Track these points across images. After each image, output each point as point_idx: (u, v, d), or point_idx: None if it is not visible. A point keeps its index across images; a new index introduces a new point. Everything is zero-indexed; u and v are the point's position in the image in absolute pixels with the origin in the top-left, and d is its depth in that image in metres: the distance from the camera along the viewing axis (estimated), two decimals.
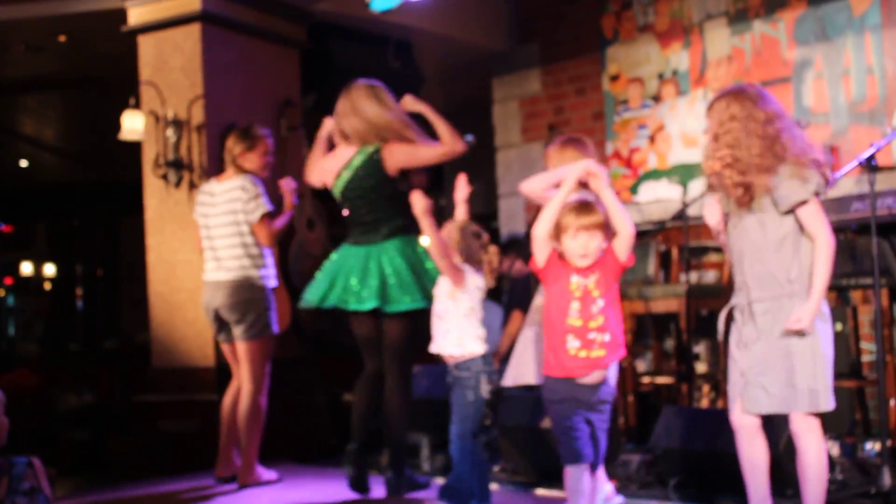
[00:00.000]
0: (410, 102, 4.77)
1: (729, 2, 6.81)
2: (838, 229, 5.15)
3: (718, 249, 6.26)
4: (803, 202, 3.45)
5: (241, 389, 5.18)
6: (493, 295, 4.37)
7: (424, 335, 4.63)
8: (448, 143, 4.66)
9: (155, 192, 6.23)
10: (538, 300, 4.29)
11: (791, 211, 3.47)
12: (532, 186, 4.08)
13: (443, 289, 4.19)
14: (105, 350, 11.64)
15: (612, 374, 3.75)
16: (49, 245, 15.34)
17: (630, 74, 7.31)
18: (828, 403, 3.45)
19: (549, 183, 3.98)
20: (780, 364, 3.47)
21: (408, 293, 4.60)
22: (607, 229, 3.63)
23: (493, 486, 4.40)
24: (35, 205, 14.12)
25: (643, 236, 6.42)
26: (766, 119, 3.49)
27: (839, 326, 5.96)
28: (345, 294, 4.68)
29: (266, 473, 5.25)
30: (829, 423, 5.51)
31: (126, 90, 6.39)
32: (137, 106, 6.32)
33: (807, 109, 6.41)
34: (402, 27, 7.18)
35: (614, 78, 7.39)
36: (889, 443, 4.47)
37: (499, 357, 5.06)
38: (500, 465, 5.28)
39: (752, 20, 6.69)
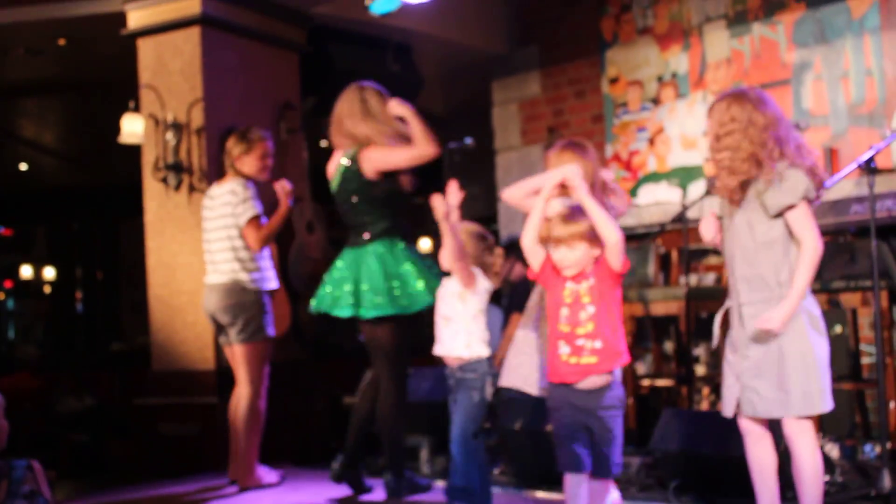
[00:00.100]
0: (395, 105, 4.77)
1: (728, 4, 6.82)
2: (837, 232, 5.17)
3: (718, 252, 6.26)
4: (791, 206, 3.45)
5: (239, 392, 5.18)
6: (491, 298, 4.38)
7: (416, 338, 4.66)
8: (419, 146, 4.67)
9: (155, 196, 6.23)
10: (532, 303, 4.29)
11: (780, 215, 3.47)
12: (511, 194, 4.09)
13: (451, 290, 4.20)
14: (111, 352, 11.64)
15: (618, 379, 3.69)
16: (49, 248, 15.35)
17: (629, 77, 7.32)
18: (822, 406, 3.45)
19: (528, 190, 3.98)
20: (772, 368, 3.48)
21: (378, 299, 4.61)
22: (594, 237, 3.59)
23: (494, 489, 4.40)
24: (35, 208, 14.12)
25: (643, 239, 6.43)
26: (766, 124, 3.50)
27: (839, 329, 5.97)
28: (331, 300, 4.71)
29: (268, 475, 5.25)
30: (829, 426, 5.53)
31: (126, 93, 6.39)
32: (137, 109, 6.33)
33: (806, 112, 6.42)
34: (401, 30, 7.18)
35: (614, 80, 7.40)
36: (889, 445, 4.48)
37: (498, 360, 5.07)
38: (500, 467, 5.29)
39: (752, 22, 6.70)
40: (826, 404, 3.46)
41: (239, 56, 6.33)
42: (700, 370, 6.30)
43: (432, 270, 4.67)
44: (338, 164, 4.81)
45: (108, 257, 14.30)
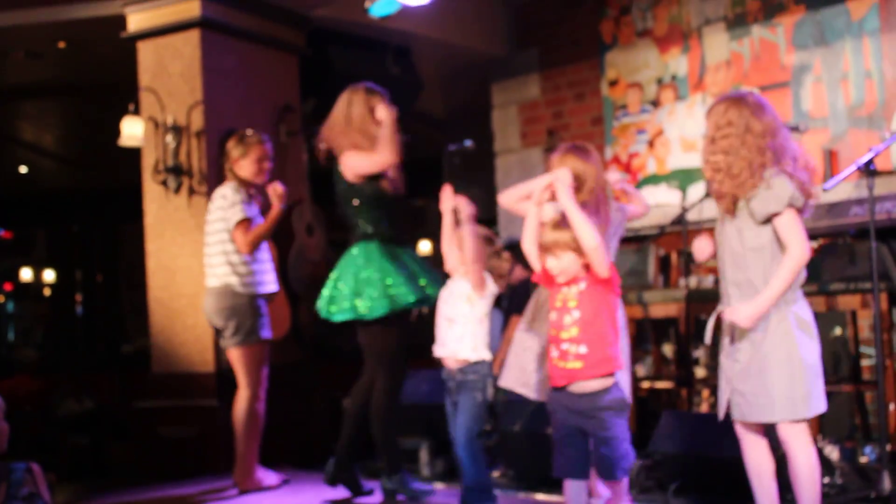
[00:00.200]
0: (380, 109, 4.76)
1: (727, 7, 6.82)
2: (837, 234, 5.17)
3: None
4: (777, 214, 3.45)
5: (238, 395, 5.19)
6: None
7: (414, 340, 4.67)
8: (379, 153, 4.67)
9: (154, 198, 6.23)
10: (530, 304, 4.31)
11: (768, 221, 3.48)
12: (505, 198, 4.11)
13: (459, 293, 4.21)
14: (121, 354, 11.60)
15: (619, 381, 3.65)
16: (49, 251, 15.35)
17: (629, 79, 7.32)
18: (806, 411, 3.45)
19: (521, 195, 3.99)
20: (758, 372, 3.49)
21: (344, 303, 4.64)
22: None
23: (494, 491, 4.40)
24: (35, 211, 14.12)
25: (642, 241, 6.43)
26: (763, 131, 3.50)
27: (838, 331, 5.98)
28: (323, 301, 4.79)
29: (268, 478, 5.25)
30: (829, 428, 5.53)
31: (125, 96, 6.39)
32: (137, 112, 6.32)
33: (805, 114, 6.42)
34: (401, 33, 7.19)
35: (613, 83, 7.40)
36: (889, 447, 4.48)
37: (498, 362, 5.07)
38: (499, 469, 5.29)
39: (751, 25, 6.71)
40: (811, 409, 3.46)
41: (239, 59, 6.34)
42: (700, 372, 6.29)
43: (408, 273, 4.64)
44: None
45: (107, 260, 14.30)
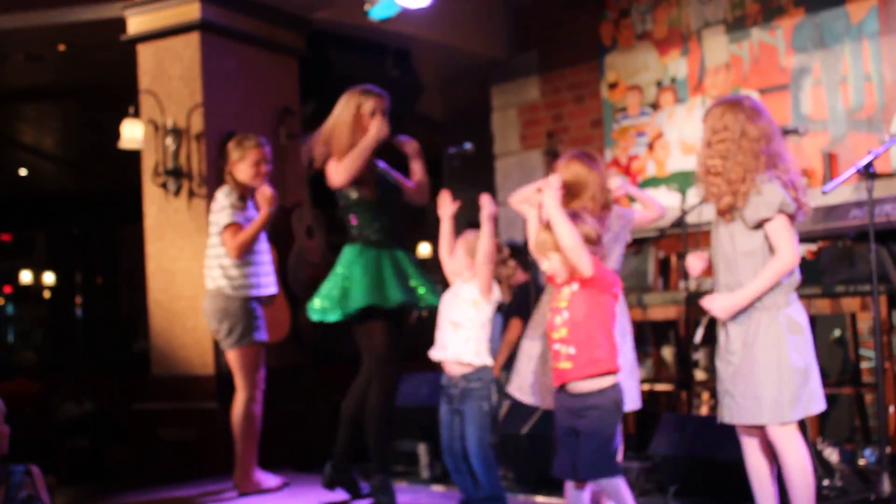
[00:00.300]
0: (372, 125, 4.74)
1: (727, 9, 6.83)
2: (836, 237, 5.17)
3: None
4: (767, 219, 3.46)
5: (234, 397, 5.21)
6: None
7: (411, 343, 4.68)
8: (335, 171, 4.67)
9: (154, 201, 6.23)
10: (536, 310, 4.31)
11: (760, 227, 3.49)
12: (512, 200, 4.14)
13: (465, 297, 4.20)
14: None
15: (618, 385, 3.64)
16: (48, 253, 15.36)
17: (628, 82, 7.32)
18: (793, 414, 3.45)
19: (521, 198, 4.04)
20: (748, 375, 3.49)
21: (314, 302, 4.71)
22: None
23: None
24: (34, 213, 14.13)
25: (642, 243, 6.43)
26: (758, 136, 3.51)
27: (838, 333, 5.98)
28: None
29: (267, 480, 5.25)
30: (829, 430, 5.54)
31: (125, 99, 6.40)
32: (137, 115, 6.33)
33: (805, 117, 6.43)
34: (400, 35, 7.19)
35: (613, 85, 7.41)
36: (888, 449, 4.47)
37: (498, 366, 5.08)
38: (500, 472, 5.29)
39: (750, 28, 6.71)
40: (797, 412, 3.46)
41: (238, 61, 6.34)
42: (699, 375, 6.30)
43: (377, 277, 4.63)
44: None
45: (107, 262, 14.31)
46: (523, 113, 7.96)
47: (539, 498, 4.84)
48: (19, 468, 4.05)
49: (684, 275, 5.82)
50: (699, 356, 6.37)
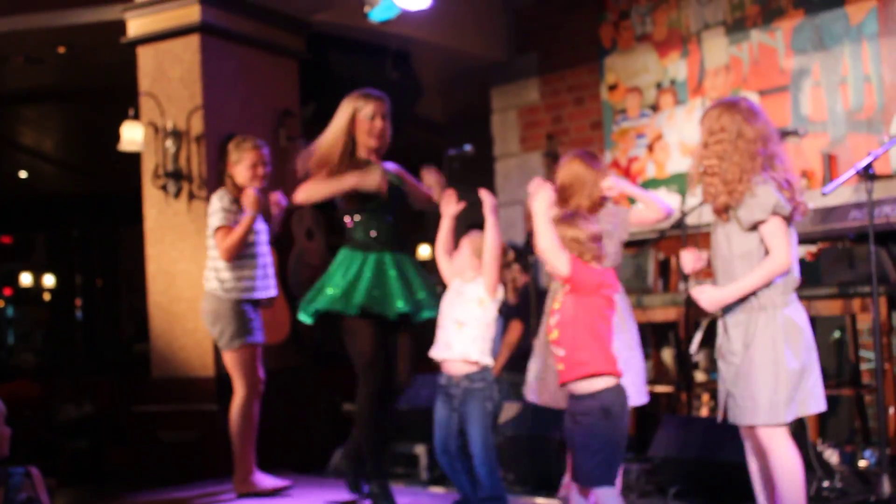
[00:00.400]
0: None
1: (726, 11, 6.83)
2: (836, 238, 5.18)
3: None
4: (761, 221, 3.47)
5: (232, 398, 5.23)
6: None
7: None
8: (309, 183, 4.70)
9: (154, 203, 6.24)
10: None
11: (755, 228, 3.50)
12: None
13: (471, 296, 4.19)
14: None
15: (599, 385, 3.62)
16: (48, 256, 15.36)
17: (628, 84, 7.33)
18: (787, 415, 3.45)
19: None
20: (746, 376, 3.50)
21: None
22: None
23: None
24: (34, 215, 14.13)
25: (642, 245, 6.44)
26: (754, 137, 3.52)
27: (838, 334, 5.98)
28: None
29: (265, 481, 5.23)
30: (829, 432, 5.54)
31: (125, 101, 6.40)
32: (137, 117, 6.33)
33: (804, 118, 6.43)
34: (400, 37, 7.20)
35: (612, 87, 7.41)
36: (888, 451, 4.47)
37: (498, 368, 5.08)
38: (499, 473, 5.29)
39: (750, 29, 6.71)
40: (791, 413, 3.46)
41: (238, 63, 6.34)
42: (699, 377, 6.30)
43: (350, 281, 4.61)
44: None
45: (107, 264, 14.31)
46: (523, 115, 7.96)
47: (539, 499, 4.84)
48: (19, 470, 4.05)
49: (684, 276, 5.82)
50: (699, 358, 6.37)
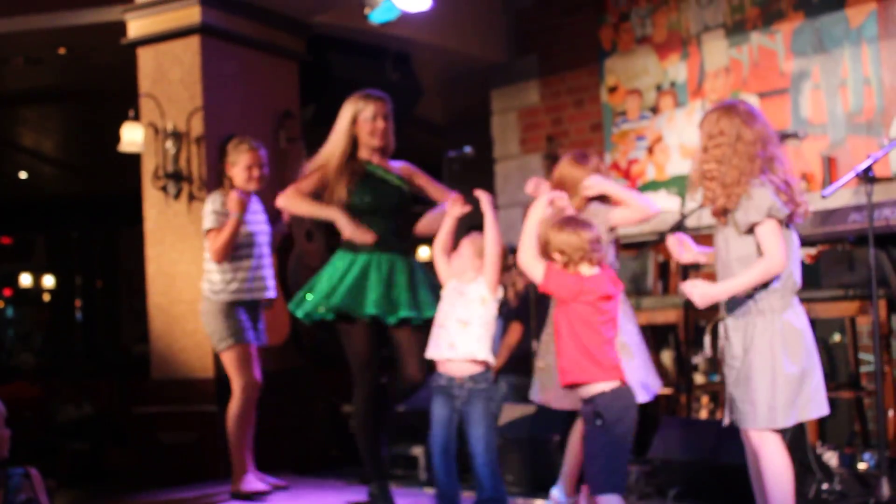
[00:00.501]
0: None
1: (726, 13, 6.83)
2: (836, 241, 5.17)
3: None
4: (757, 223, 3.47)
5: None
6: None
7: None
8: (290, 192, 4.77)
9: (154, 204, 6.24)
10: None
11: (751, 231, 3.50)
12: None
13: (473, 295, 4.18)
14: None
15: (588, 393, 3.67)
16: (48, 257, 15.37)
17: (628, 86, 7.33)
18: (783, 421, 3.46)
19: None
20: (745, 381, 3.51)
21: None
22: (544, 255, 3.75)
23: None
24: (34, 216, 14.13)
25: (641, 247, 6.44)
26: (753, 139, 3.52)
27: (837, 337, 5.98)
28: None
29: (249, 484, 5.19)
30: (828, 434, 5.53)
31: (125, 102, 6.40)
32: (137, 118, 6.33)
33: (804, 121, 6.43)
34: (400, 39, 7.20)
35: (612, 89, 7.41)
36: (887, 453, 4.47)
37: (496, 369, 5.07)
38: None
39: (750, 32, 6.71)
40: (789, 419, 3.46)
41: (238, 65, 6.35)
42: (699, 379, 6.30)
43: (332, 283, 4.62)
44: None
45: (107, 266, 14.31)
46: (523, 117, 7.96)
47: (538, 501, 4.83)
48: (18, 471, 4.05)
49: (683, 278, 5.82)
50: (698, 360, 6.37)
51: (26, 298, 15.73)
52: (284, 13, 6.56)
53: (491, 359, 4.20)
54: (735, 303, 3.56)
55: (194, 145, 6.10)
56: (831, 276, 5.09)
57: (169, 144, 6.10)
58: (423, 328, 4.45)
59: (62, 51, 7.44)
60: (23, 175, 12.40)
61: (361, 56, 7.31)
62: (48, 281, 15.33)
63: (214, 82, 6.17)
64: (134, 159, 6.44)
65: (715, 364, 6.11)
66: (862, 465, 4.95)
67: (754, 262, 3.50)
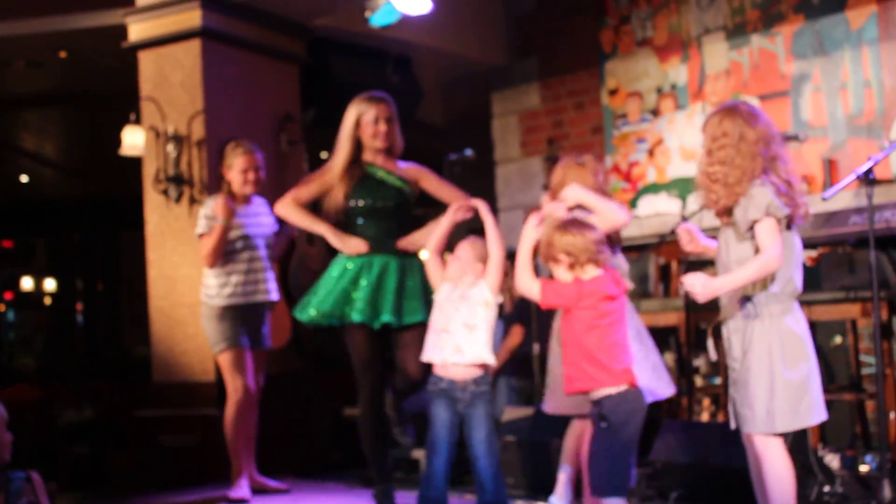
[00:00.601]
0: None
1: (727, 16, 6.84)
2: (836, 243, 5.17)
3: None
4: (756, 221, 3.47)
5: None
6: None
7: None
8: (287, 199, 4.83)
9: (155, 208, 6.24)
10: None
11: (751, 230, 3.50)
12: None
13: (477, 298, 4.18)
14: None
15: (599, 394, 3.68)
16: (49, 260, 15.36)
17: (629, 88, 7.33)
18: (782, 426, 3.45)
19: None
20: (744, 384, 3.51)
21: None
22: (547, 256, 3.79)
23: None
24: (35, 220, 14.13)
25: (642, 250, 6.44)
26: (756, 138, 3.53)
27: (838, 339, 5.98)
28: None
29: (237, 490, 5.16)
30: (830, 436, 5.53)
31: (126, 106, 6.41)
32: (138, 121, 6.34)
33: (805, 123, 6.43)
34: (401, 42, 7.20)
35: (613, 92, 7.42)
36: (889, 456, 4.47)
37: (494, 370, 5.08)
38: None
39: (750, 34, 6.72)
40: (790, 424, 3.46)
41: (239, 68, 6.35)
42: (700, 381, 6.30)
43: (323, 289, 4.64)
44: None
45: (108, 269, 14.31)
46: (524, 119, 7.96)
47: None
48: (19, 475, 4.05)
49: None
50: (700, 362, 6.37)
51: (27, 302, 15.72)
52: (285, 16, 6.56)
53: (494, 362, 4.22)
54: (734, 306, 3.55)
55: (195, 149, 6.10)
56: (832, 278, 5.08)
57: (170, 148, 6.10)
58: (424, 327, 4.43)
59: (63, 54, 7.45)
60: (24, 178, 12.40)
61: (362, 59, 7.31)
62: (49, 284, 15.32)
63: (215, 85, 6.17)
64: (135, 163, 6.45)
65: (716, 367, 6.10)
66: (863, 468, 4.95)
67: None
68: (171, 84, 6.20)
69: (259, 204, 5.39)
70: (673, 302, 5.89)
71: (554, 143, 7.56)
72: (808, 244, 5.23)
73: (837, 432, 5.68)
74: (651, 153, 7.19)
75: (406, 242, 4.62)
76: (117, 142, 6.39)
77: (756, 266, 3.45)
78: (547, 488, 4.69)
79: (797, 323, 3.51)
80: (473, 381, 4.14)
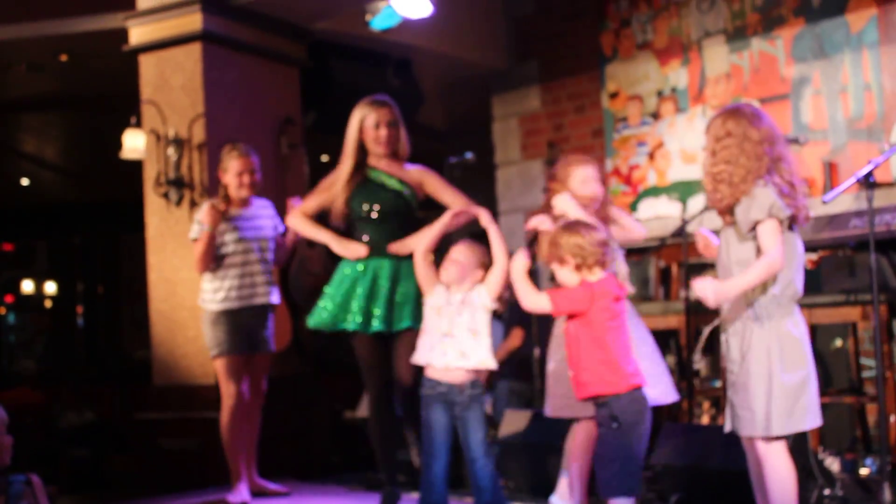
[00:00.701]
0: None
1: (727, 19, 6.84)
2: (837, 246, 5.18)
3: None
4: (758, 221, 3.47)
5: None
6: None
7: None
8: (298, 209, 4.86)
9: (156, 211, 6.25)
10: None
11: (753, 230, 3.50)
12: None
13: (479, 303, 4.18)
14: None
15: (610, 394, 3.71)
16: (50, 263, 15.34)
17: (629, 92, 7.34)
18: (782, 429, 3.46)
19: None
20: (743, 387, 3.51)
21: None
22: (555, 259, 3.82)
23: None
24: (36, 223, 14.12)
25: (643, 253, 6.44)
26: (760, 138, 3.53)
27: (839, 342, 5.98)
28: None
29: (237, 495, 5.16)
30: (830, 439, 5.53)
31: (127, 109, 6.42)
32: (138, 125, 6.35)
33: (805, 126, 6.43)
34: (402, 45, 7.21)
35: (613, 95, 7.42)
36: (889, 459, 4.47)
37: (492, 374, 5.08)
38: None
39: (751, 37, 6.72)
40: (787, 427, 3.46)
41: (240, 71, 6.36)
42: (700, 384, 6.29)
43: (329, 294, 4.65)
44: None
45: (109, 272, 14.30)
46: (524, 122, 7.97)
47: None
48: (19, 478, 4.05)
49: (685, 284, 5.82)
50: (700, 366, 6.36)
51: (28, 305, 15.70)
52: (286, 20, 6.57)
53: (496, 366, 4.25)
54: (733, 309, 3.56)
55: (196, 152, 6.11)
56: (832, 281, 5.09)
57: (170, 151, 6.11)
58: (413, 333, 4.43)
59: (64, 58, 7.45)
60: (25, 181, 12.41)
61: (363, 62, 7.32)
62: (50, 287, 15.31)
63: (216, 89, 6.18)
64: (136, 166, 6.45)
65: (717, 369, 6.10)
66: (864, 471, 4.94)
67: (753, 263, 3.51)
68: (172, 87, 6.21)
69: (259, 206, 5.38)
70: (673, 305, 5.89)
71: (554, 146, 7.57)
72: (808, 247, 5.23)
73: (838, 435, 5.68)
74: (651, 156, 7.20)
75: (398, 246, 4.58)
76: (118, 145, 6.39)
77: (761, 267, 3.45)
78: (547, 491, 4.69)
79: (796, 327, 3.51)
80: (470, 384, 4.14)
